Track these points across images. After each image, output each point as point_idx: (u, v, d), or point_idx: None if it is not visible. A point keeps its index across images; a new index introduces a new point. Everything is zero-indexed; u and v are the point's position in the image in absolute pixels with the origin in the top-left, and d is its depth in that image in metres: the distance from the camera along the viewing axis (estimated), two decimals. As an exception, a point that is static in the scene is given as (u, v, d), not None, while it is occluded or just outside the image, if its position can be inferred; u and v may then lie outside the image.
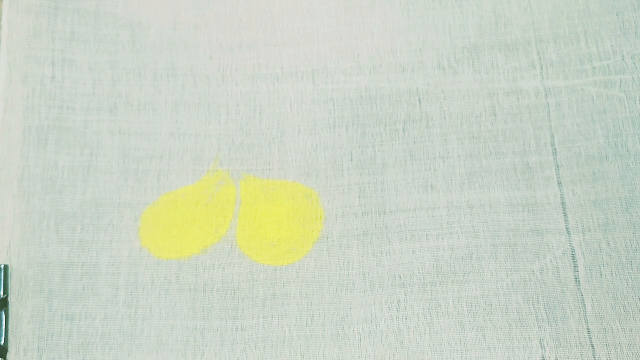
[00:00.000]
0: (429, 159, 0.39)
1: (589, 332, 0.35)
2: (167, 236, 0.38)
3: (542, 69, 0.40)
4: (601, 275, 0.36)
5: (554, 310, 0.35)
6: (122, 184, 0.39)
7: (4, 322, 0.36)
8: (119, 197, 0.39)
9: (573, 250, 0.36)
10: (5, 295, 0.36)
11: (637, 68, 0.39)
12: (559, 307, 0.35)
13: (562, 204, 0.37)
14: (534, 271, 0.36)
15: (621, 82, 0.39)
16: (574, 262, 0.36)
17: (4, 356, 0.36)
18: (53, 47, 0.40)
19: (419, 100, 0.40)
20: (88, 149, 0.39)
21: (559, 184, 0.37)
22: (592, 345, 0.35)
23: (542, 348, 0.35)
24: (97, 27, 0.41)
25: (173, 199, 0.39)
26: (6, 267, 0.37)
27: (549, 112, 0.39)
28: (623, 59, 0.39)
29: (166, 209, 0.39)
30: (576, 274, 0.36)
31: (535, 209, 0.37)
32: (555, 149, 0.38)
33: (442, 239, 0.37)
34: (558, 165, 0.38)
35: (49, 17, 0.41)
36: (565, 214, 0.37)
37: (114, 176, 0.39)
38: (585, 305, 0.35)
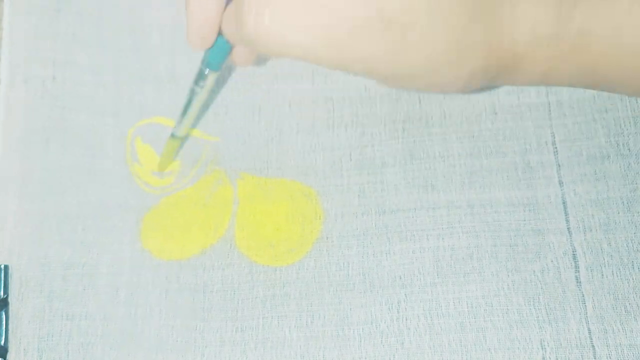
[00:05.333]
0: (429, 158, 0.38)
1: (589, 332, 0.34)
2: (168, 237, 0.38)
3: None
4: (602, 275, 0.35)
5: (554, 310, 0.35)
6: (124, 186, 0.39)
7: (4, 322, 0.36)
8: (122, 199, 0.39)
9: (574, 250, 0.36)
10: (5, 295, 0.37)
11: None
12: (560, 308, 0.35)
13: (563, 203, 0.37)
14: (534, 271, 0.36)
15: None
16: (575, 262, 0.36)
17: (4, 356, 0.36)
18: (54, 48, 0.40)
19: (419, 99, 0.39)
20: (91, 150, 0.39)
21: (560, 183, 0.37)
22: (593, 346, 0.34)
23: (542, 349, 0.35)
24: (99, 30, 0.41)
25: (174, 201, 0.39)
26: (6, 267, 0.37)
27: (550, 111, 0.38)
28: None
29: (167, 211, 0.39)
30: (577, 274, 0.36)
31: (536, 209, 0.37)
32: (556, 147, 0.38)
33: (442, 239, 0.37)
34: (559, 165, 0.37)
35: (50, 19, 0.41)
36: (566, 214, 0.37)
37: (116, 178, 0.39)
38: (586, 306, 0.35)
